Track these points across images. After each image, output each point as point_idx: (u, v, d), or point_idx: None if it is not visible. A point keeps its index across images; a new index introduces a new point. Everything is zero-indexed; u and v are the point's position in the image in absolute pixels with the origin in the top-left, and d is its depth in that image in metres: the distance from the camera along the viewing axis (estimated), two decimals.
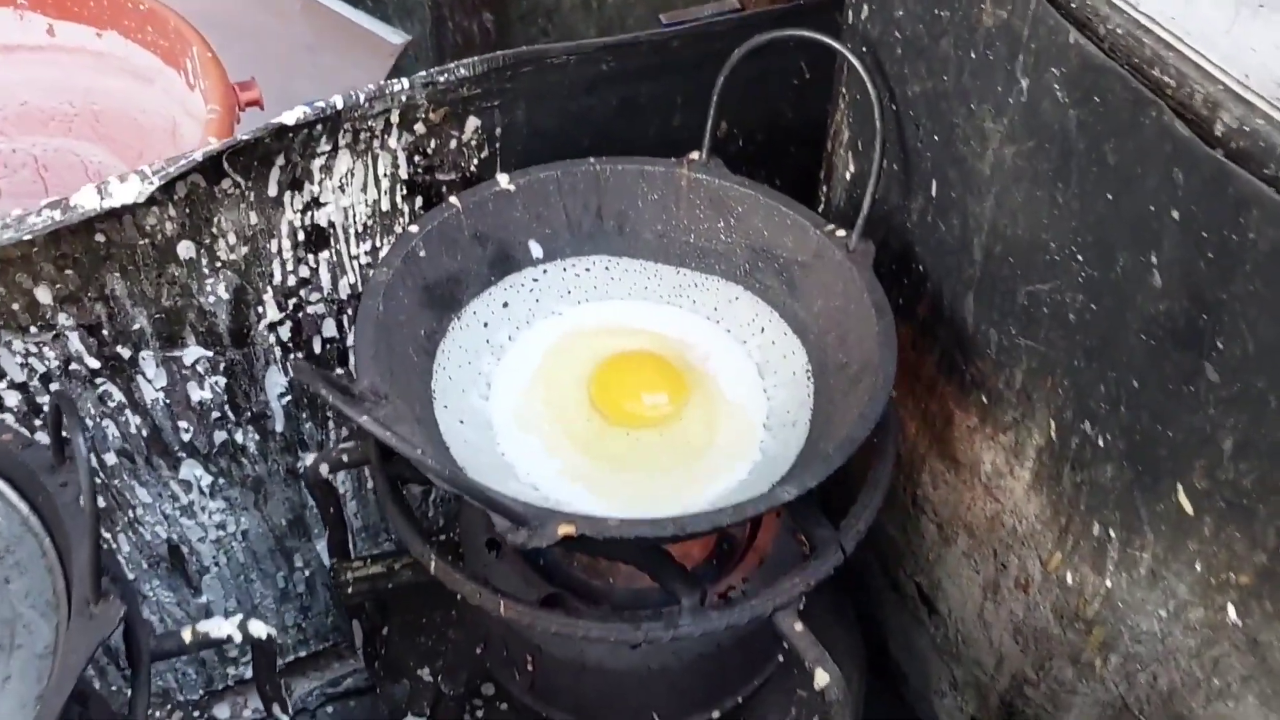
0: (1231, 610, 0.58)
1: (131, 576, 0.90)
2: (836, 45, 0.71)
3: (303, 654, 1.06)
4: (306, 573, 0.99)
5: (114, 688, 0.90)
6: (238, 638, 0.67)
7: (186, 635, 0.66)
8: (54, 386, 0.77)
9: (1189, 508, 0.59)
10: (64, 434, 0.61)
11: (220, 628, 0.67)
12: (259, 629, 0.68)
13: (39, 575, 0.60)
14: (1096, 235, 0.59)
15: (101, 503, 0.84)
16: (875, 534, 0.93)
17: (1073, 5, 0.58)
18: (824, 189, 0.89)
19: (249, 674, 1.05)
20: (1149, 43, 0.54)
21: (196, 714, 0.88)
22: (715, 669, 0.76)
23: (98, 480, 0.83)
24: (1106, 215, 0.58)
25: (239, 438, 0.87)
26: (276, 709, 0.73)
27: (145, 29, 1.03)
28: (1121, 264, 0.58)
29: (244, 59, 1.05)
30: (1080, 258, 0.61)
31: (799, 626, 0.65)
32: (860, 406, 0.65)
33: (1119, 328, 0.59)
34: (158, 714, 0.88)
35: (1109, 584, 0.67)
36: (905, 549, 0.90)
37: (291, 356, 0.84)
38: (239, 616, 0.67)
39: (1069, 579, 0.70)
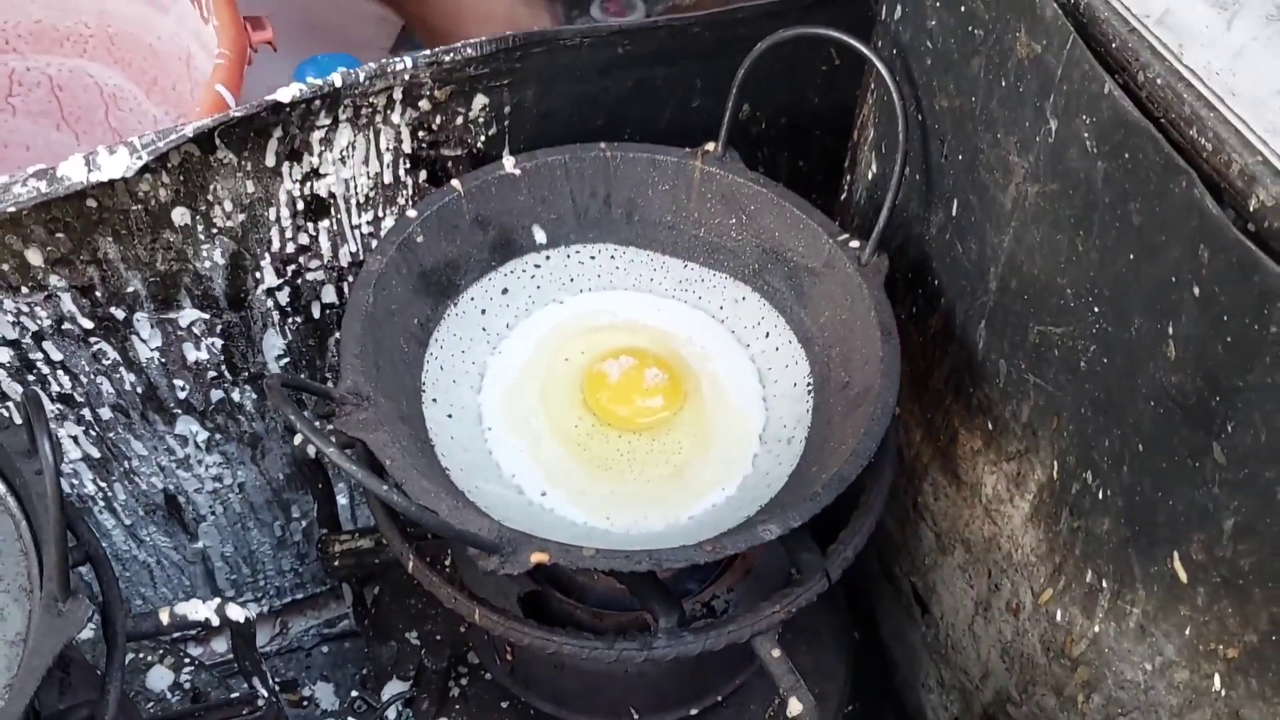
0: (1217, 680, 0.57)
1: (128, 522, 0.91)
2: (865, 51, 0.67)
3: (300, 596, 1.07)
4: (304, 523, 0.99)
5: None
6: (215, 621, 0.67)
7: (164, 617, 0.66)
8: (47, 344, 0.76)
9: (1183, 576, 0.57)
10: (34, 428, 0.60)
11: (198, 610, 0.67)
12: (236, 613, 0.68)
13: (13, 560, 0.60)
14: (1114, 291, 0.56)
15: (97, 453, 0.84)
16: (874, 529, 0.92)
17: (1114, 46, 0.54)
18: (847, 178, 0.86)
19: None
20: (1189, 99, 0.50)
21: (190, 660, 0.89)
22: (694, 671, 0.76)
23: (93, 432, 0.83)
24: (1126, 275, 0.55)
25: (236, 396, 0.86)
26: (256, 682, 0.73)
27: None
28: (1137, 326, 0.55)
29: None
30: (1096, 309, 0.58)
31: (776, 653, 0.64)
32: (857, 433, 0.63)
33: (1129, 389, 0.57)
34: (149, 658, 0.89)
35: (1097, 629, 0.65)
36: (903, 548, 0.89)
37: (290, 320, 0.83)
38: (216, 601, 0.67)
39: (1058, 616, 0.69)
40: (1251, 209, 0.48)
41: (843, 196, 0.87)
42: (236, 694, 0.76)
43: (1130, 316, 0.55)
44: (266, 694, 0.73)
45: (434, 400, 0.70)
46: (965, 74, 0.63)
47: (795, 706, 0.63)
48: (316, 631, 1.09)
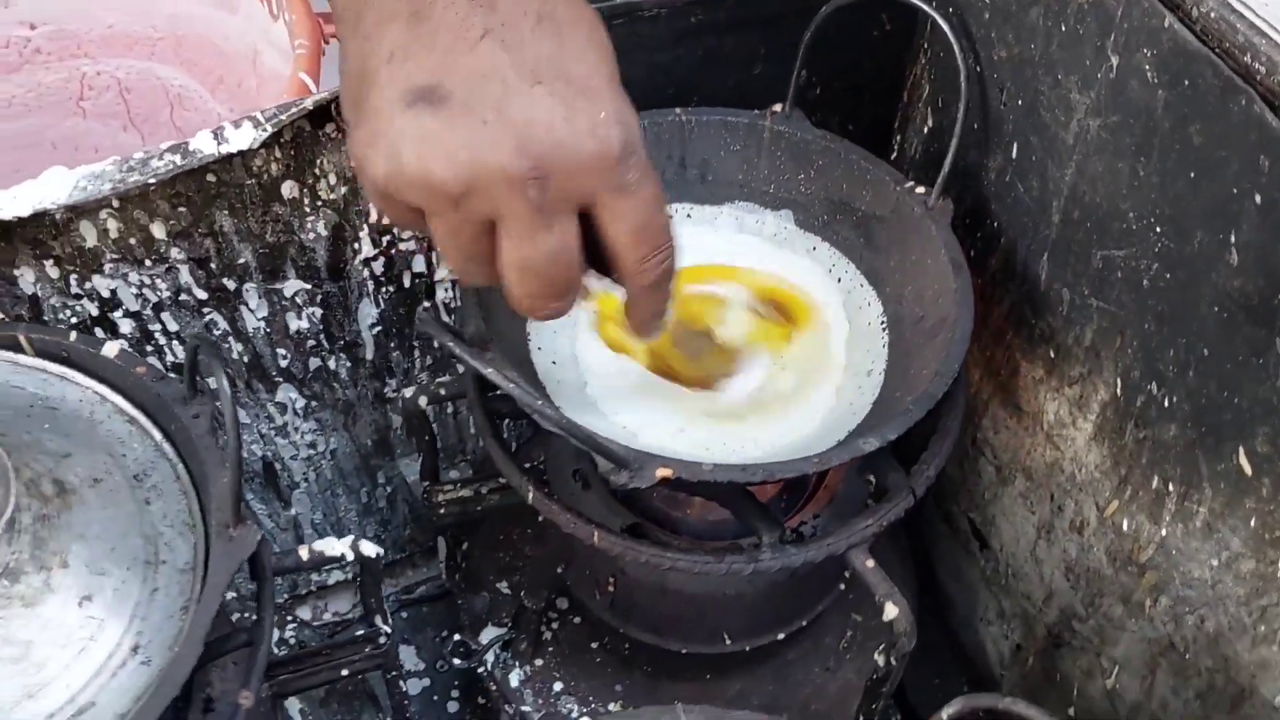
0: None
1: None
2: (928, 8, 0.73)
3: (383, 563, 1.12)
4: (388, 489, 1.05)
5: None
6: (349, 556, 0.72)
7: (304, 553, 0.72)
8: (165, 315, 0.81)
9: (1248, 469, 0.63)
10: (197, 372, 0.66)
11: (334, 547, 0.72)
12: (369, 548, 0.73)
13: (175, 498, 0.65)
14: (1175, 210, 0.62)
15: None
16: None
17: None
18: (897, 138, 0.92)
19: (330, 581, 1.11)
20: (1241, 28, 0.56)
21: (291, 619, 0.94)
22: (785, 596, 0.81)
23: None
24: (1186, 193, 0.61)
25: (331, 364, 0.91)
26: (378, 619, 0.78)
27: None
28: (1199, 239, 0.61)
29: None
30: (1158, 229, 0.64)
31: (870, 563, 0.70)
32: (936, 360, 0.69)
33: (1192, 298, 0.62)
34: (246, 614, 0.93)
35: (1164, 533, 0.71)
36: (961, 486, 0.95)
37: (383, 289, 0.88)
38: (350, 537, 0.72)
39: (1125, 526, 0.74)
40: None
41: (893, 155, 0.93)
42: (361, 631, 0.81)
43: (1191, 231, 0.61)
44: (389, 630, 0.78)
45: (539, 349, 0.75)
46: (1024, 24, 0.69)
47: (891, 610, 0.69)
48: (396, 597, 1.14)
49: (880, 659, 0.72)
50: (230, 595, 0.97)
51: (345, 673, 0.79)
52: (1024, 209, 0.75)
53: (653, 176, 0.55)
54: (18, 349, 0.69)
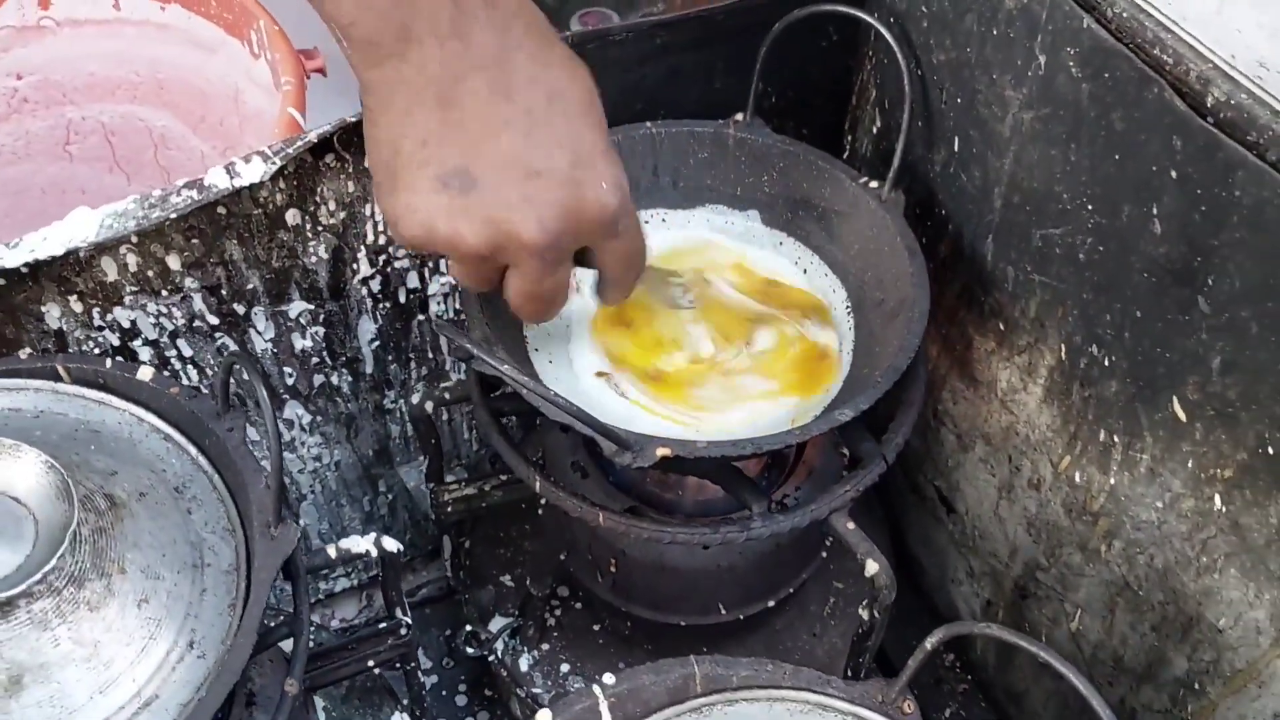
0: (1217, 499, 0.70)
1: None
2: (872, 21, 0.80)
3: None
4: (389, 497, 1.10)
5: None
6: (374, 552, 0.78)
7: (332, 551, 0.77)
8: (180, 342, 0.87)
9: (1183, 416, 0.70)
10: (229, 389, 0.71)
11: (359, 544, 0.78)
12: (390, 544, 0.79)
13: (214, 506, 0.71)
14: (1104, 189, 0.69)
15: None
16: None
17: None
18: (849, 138, 0.99)
19: (336, 589, 1.16)
20: (1150, 25, 0.64)
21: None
22: (773, 565, 0.88)
23: None
24: (1113, 173, 0.68)
25: (334, 380, 0.97)
26: (399, 612, 0.84)
27: (209, 2, 1.11)
28: (1126, 214, 0.68)
29: (300, 26, 1.13)
30: (1090, 207, 0.71)
31: (851, 525, 0.77)
32: (899, 338, 0.76)
33: (1123, 267, 0.70)
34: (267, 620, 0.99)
35: (1113, 481, 0.78)
36: (925, 456, 1.02)
37: (380, 306, 0.94)
38: (373, 535, 0.78)
39: (1077, 478, 0.82)
40: (1209, 105, 0.61)
41: (845, 154, 1.00)
42: (383, 625, 0.87)
43: (1120, 207, 0.69)
44: (410, 622, 0.84)
45: (536, 350, 0.81)
46: (960, 29, 0.77)
47: (872, 567, 0.75)
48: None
49: (864, 613, 0.79)
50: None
51: (371, 664, 0.85)
52: (968, 197, 0.82)
53: (635, 217, 0.68)
54: (57, 378, 0.74)
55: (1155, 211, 0.66)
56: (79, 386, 0.74)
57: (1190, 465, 0.71)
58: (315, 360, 0.95)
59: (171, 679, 0.64)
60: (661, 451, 0.68)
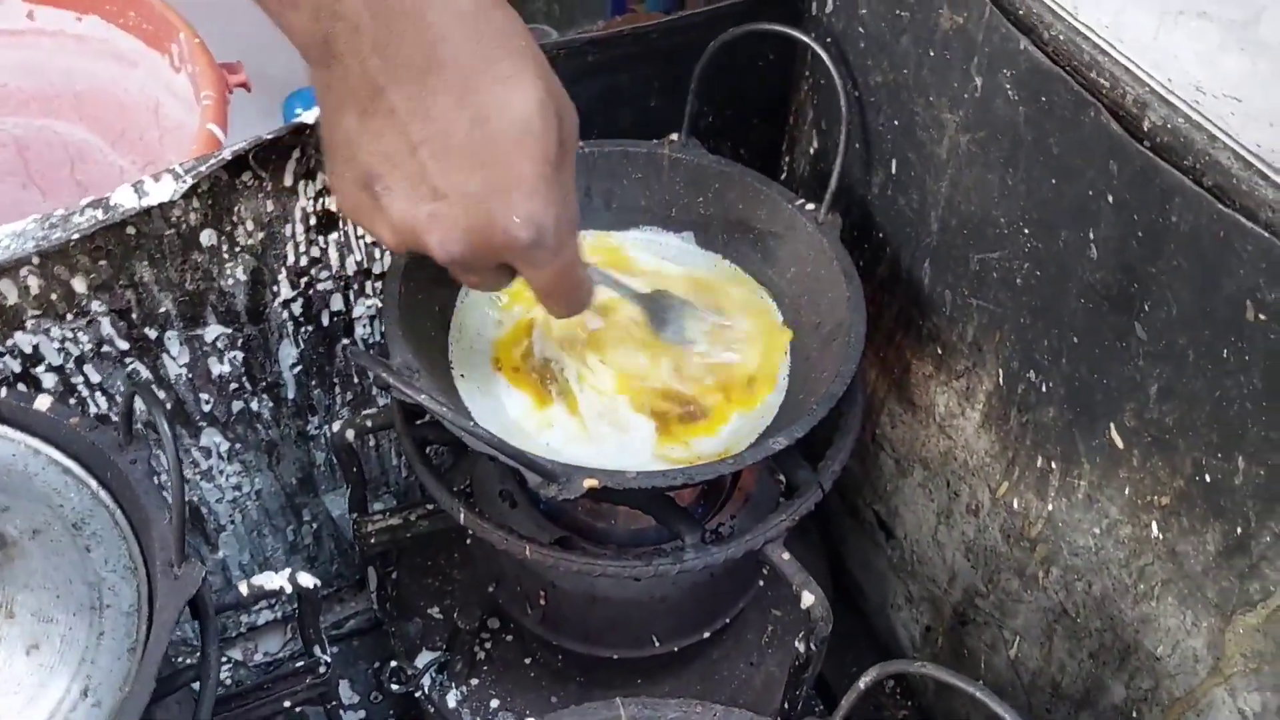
0: (1155, 526, 0.69)
1: None
2: (808, 40, 0.79)
3: None
4: (314, 526, 1.06)
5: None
6: (288, 589, 0.75)
7: (244, 589, 0.74)
8: (87, 367, 0.83)
9: (1120, 443, 0.69)
10: (132, 419, 0.68)
11: (272, 580, 0.74)
12: (306, 579, 0.75)
13: (115, 543, 0.67)
14: (1041, 214, 0.68)
15: None
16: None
17: (1020, 12, 0.66)
18: (786, 159, 0.98)
19: (259, 621, 1.12)
20: (1087, 49, 0.63)
21: (226, 660, 0.95)
22: (708, 595, 0.86)
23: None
24: (1050, 197, 0.67)
25: (254, 406, 0.93)
26: (317, 649, 0.81)
27: (128, 14, 1.07)
28: (1063, 239, 0.67)
29: (224, 40, 1.10)
30: (1026, 231, 0.70)
31: (786, 556, 0.75)
32: (836, 363, 0.74)
33: (1061, 292, 0.69)
34: (180, 657, 0.95)
35: (1050, 508, 0.77)
36: (864, 481, 1.01)
37: (302, 330, 0.91)
38: (288, 570, 0.74)
39: (1015, 504, 0.80)
40: (1145, 129, 0.60)
41: (783, 175, 0.99)
42: (300, 663, 0.83)
43: (1057, 231, 0.67)
44: (329, 660, 0.81)
45: (462, 376, 0.78)
46: (896, 51, 0.75)
47: (808, 598, 0.73)
48: (325, 632, 1.15)
49: (800, 646, 0.77)
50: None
51: (287, 704, 0.81)
52: (906, 220, 0.81)
53: (565, 250, 0.65)
54: None
55: (1092, 236, 0.65)
56: None
57: (1127, 492, 0.70)
58: (234, 386, 0.91)
59: None
60: (589, 483, 0.65)
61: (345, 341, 0.94)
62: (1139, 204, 0.61)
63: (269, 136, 0.77)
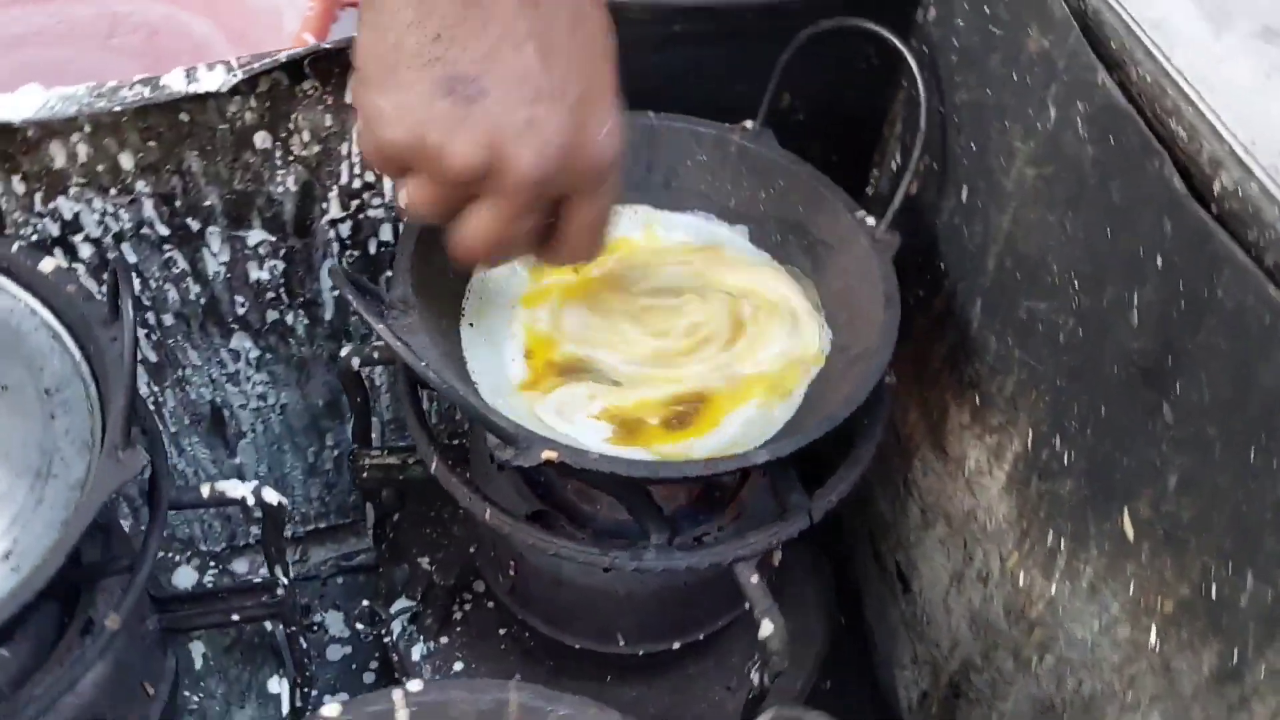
0: (1153, 634, 0.62)
1: (173, 429, 0.98)
2: (893, 39, 0.74)
3: (322, 526, 1.13)
4: (335, 452, 1.06)
5: (143, 527, 0.98)
6: (250, 500, 0.74)
7: (205, 491, 0.73)
8: (125, 246, 0.83)
9: (1130, 533, 0.62)
10: (119, 296, 0.67)
11: (236, 489, 0.73)
12: (271, 495, 0.74)
13: (81, 416, 0.67)
14: (1093, 267, 0.62)
15: (154, 357, 0.91)
16: (868, 509, 0.98)
17: (1111, 45, 0.60)
18: (875, 172, 0.92)
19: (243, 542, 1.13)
20: (1172, 93, 0.57)
21: (215, 565, 0.95)
22: (680, 603, 0.81)
23: (153, 337, 0.90)
24: (1104, 250, 0.61)
25: (289, 319, 0.93)
26: (279, 571, 0.80)
27: None
28: (1108, 297, 0.61)
29: None
30: (1076, 284, 0.64)
31: (755, 579, 0.70)
32: (850, 388, 0.69)
33: (1098, 356, 0.62)
34: (178, 558, 0.95)
35: (1054, 590, 0.70)
36: (892, 526, 0.95)
37: (348, 253, 0.90)
38: (255, 482, 0.73)
39: (1021, 579, 0.74)
40: (1215, 191, 0.54)
41: (869, 189, 0.93)
42: (258, 579, 0.82)
43: (1104, 288, 0.61)
44: (286, 582, 0.79)
45: (471, 325, 0.76)
46: (985, 68, 0.70)
47: (767, 628, 0.69)
48: (334, 563, 1.15)
49: (755, 677, 0.72)
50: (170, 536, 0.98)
51: (236, 618, 0.80)
52: (966, 253, 0.75)
53: (618, 184, 0.62)
54: None
55: (1136, 300, 0.58)
56: None
57: (1131, 589, 0.63)
58: (270, 295, 0.91)
59: None
60: (547, 454, 0.62)
61: (389, 273, 0.93)
62: (1186, 270, 0.54)
63: (328, 45, 0.76)
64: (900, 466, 0.90)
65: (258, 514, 0.76)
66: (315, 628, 1.13)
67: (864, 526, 1.01)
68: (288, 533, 1.13)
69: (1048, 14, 0.62)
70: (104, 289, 0.68)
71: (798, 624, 0.93)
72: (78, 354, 0.69)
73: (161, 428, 0.98)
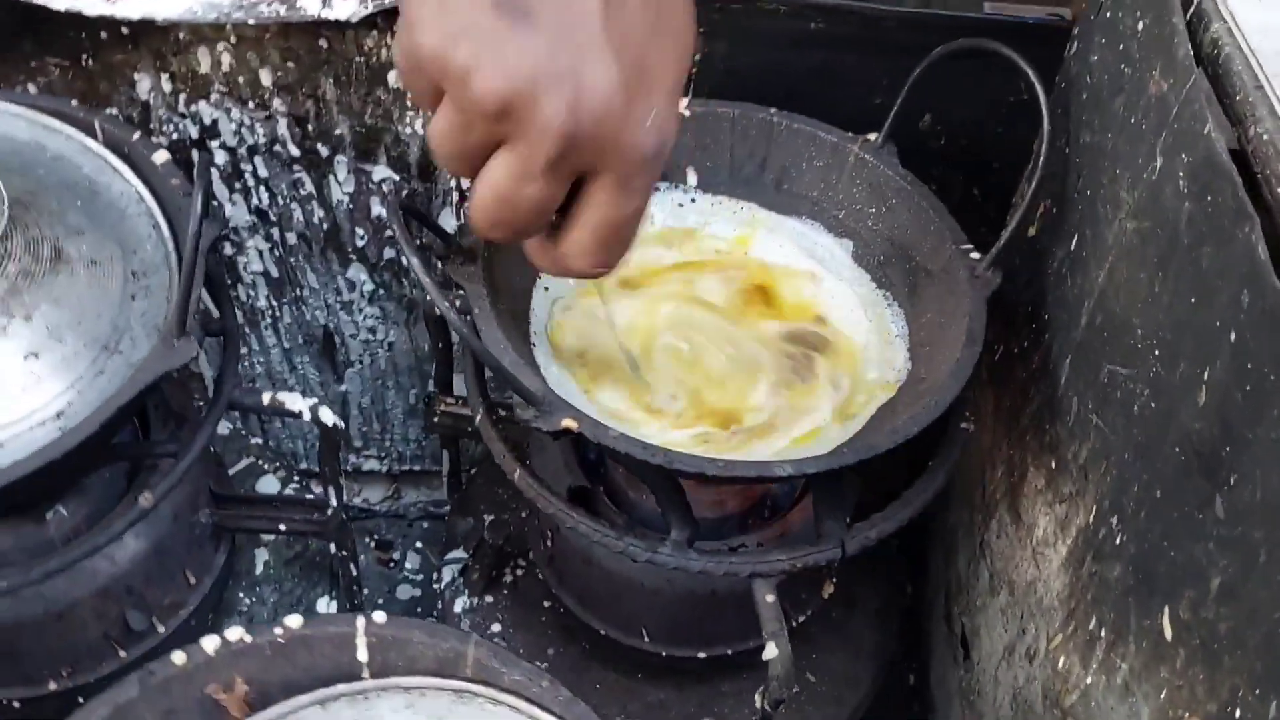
0: None
1: (287, 345, 1.02)
2: (1024, 66, 0.69)
3: (417, 469, 1.16)
4: None
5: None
6: (307, 416, 0.76)
7: (265, 398, 0.75)
8: (258, 159, 0.87)
9: (1169, 634, 0.56)
10: (212, 196, 0.71)
11: (296, 402, 0.76)
12: (327, 415, 0.76)
13: (159, 303, 0.70)
14: (1174, 334, 0.56)
15: (276, 273, 0.95)
16: (950, 567, 0.93)
17: (1236, 97, 0.54)
18: (1013, 213, 0.87)
19: (365, 467, 1.16)
20: None
21: (299, 482, 0.98)
22: (705, 609, 0.79)
23: (276, 253, 0.94)
24: (1185, 318, 0.55)
25: (405, 259, 0.95)
26: (331, 492, 0.82)
27: None
28: (1182, 370, 0.55)
29: None
30: (1156, 352, 0.58)
31: (770, 598, 0.67)
32: (899, 422, 0.65)
33: (1162, 434, 0.57)
34: (267, 466, 0.98)
35: (1089, 680, 0.65)
36: (962, 589, 0.89)
37: (464, 204, 0.91)
38: (314, 400, 0.75)
39: (1060, 662, 0.68)
40: None
41: (1010, 225, 0.88)
42: (311, 496, 0.84)
43: (1179, 359, 0.55)
44: (336, 504, 0.81)
45: (545, 289, 0.76)
46: (1109, 110, 0.65)
47: (771, 651, 0.66)
48: (423, 506, 1.18)
49: (757, 699, 0.69)
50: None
51: (283, 528, 0.83)
52: (1066, 306, 0.70)
53: (649, 187, 0.55)
54: (93, 135, 0.75)
55: (1206, 376, 0.53)
56: (107, 150, 0.74)
57: (1163, 696, 0.57)
58: (389, 233, 0.94)
59: (24, 436, 0.64)
60: (567, 422, 0.61)
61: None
62: (1256, 351, 0.48)
63: None
64: (980, 526, 0.85)
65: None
66: (393, 564, 1.16)
67: (942, 584, 0.96)
68: (382, 469, 1.16)
69: (1171, 54, 0.57)
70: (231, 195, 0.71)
71: (843, 664, 0.89)
72: (171, 244, 0.72)
73: (276, 341, 1.02)
